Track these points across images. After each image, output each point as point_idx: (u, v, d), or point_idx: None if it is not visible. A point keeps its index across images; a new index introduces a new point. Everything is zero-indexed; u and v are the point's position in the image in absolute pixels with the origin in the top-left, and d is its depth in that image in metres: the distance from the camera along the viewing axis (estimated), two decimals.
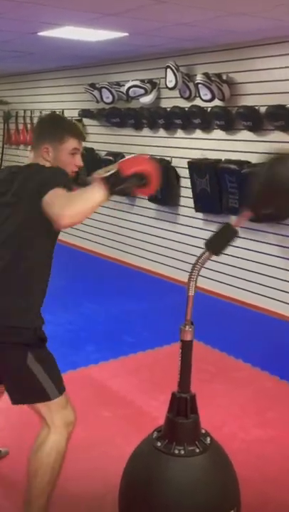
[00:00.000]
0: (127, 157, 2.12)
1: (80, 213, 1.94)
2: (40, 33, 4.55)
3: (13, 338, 2.12)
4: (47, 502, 2.22)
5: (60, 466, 2.24)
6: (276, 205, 2.10)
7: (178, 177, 5.72)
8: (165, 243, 6.07)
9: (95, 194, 1.94)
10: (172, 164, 5.71)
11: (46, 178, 2.09)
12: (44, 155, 2.26)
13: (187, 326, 2.13)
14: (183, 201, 5.75)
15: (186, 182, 5.58)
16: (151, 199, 5.91)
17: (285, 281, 4.89)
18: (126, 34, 4.55)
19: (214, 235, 2.12)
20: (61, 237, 2.90)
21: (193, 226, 5.69)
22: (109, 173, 2.01)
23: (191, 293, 2.12)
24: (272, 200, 2.05)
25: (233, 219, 5.21)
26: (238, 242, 5.17)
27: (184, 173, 5.56)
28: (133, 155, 2.24)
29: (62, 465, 2.26)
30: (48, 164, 2.24)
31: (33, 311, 2.20)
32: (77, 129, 2.35)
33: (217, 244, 2.12)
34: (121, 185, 1.99)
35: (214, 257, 5.92)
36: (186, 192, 5.65)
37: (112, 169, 2.06)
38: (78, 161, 2.29)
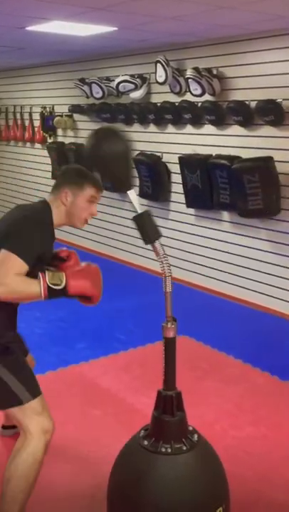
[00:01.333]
0: (78, 270, 2.24)
1: (10, 298, 2.16)
2: (29, 28, 4.50)
3: None
4: (21, 509, 2.22)
5: (36, 475, 2.24)
6: (105, 174, 2.29)
7: (169, 173, 5.69)
8: None
9: (33, 294, 2.13)
10: (163, 160, 5.68)
11: (11, 233, 2.20)
12: (62, 198, 2.37)
13: (169, 323, 2.11)
14: (174, 197, 5.72)
15: (177, 177, 5.55)
16: (142, 195, 5.88)
17: (276, 276, 4.88)
18: (115, 28, 4.51)
19: (141, 231, 2.17)
20: None
21: (184, 222, 5.67)
22: (57, 287, 2.13)
23: (169, 289, 2.11)
24: (102, 171, 2.25)
25: (224, 214, 5.21)
26: (229, 237, 5.21)
27: (175, 168, 5.53)
28: (84, 268, 2.31)
29: (39, 474, 2.26)
30: (62, 208, 2.38)
31: None
32: (98, 180, 2.43)
33: (148, 233, 2.16)
34: (61, 297, 2.17)
35: (206, 253, 5.90)
36: (177, 188, 5.62)
37: (60, 277, 2.15)
38: (94, 210, 2.43)
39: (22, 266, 2.13)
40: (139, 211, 2.17)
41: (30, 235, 2.21)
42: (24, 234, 2.20)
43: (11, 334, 2.39)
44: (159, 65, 5.17)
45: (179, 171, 5.37)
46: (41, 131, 7.51)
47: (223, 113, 4.97)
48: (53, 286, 2.12)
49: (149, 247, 6.76)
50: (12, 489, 2.21)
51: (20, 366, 2.34)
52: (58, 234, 2.45)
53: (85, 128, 6.79)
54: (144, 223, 2.15)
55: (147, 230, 2.15)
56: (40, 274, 2.15)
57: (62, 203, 2.37)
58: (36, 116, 7.61)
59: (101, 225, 6.77)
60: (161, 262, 2.11)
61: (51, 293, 2.12)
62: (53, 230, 2.40)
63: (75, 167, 2.55)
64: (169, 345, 2.11)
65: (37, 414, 2.27)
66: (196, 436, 2.12)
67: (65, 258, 2.51)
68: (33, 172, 7.89)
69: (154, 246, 2.13)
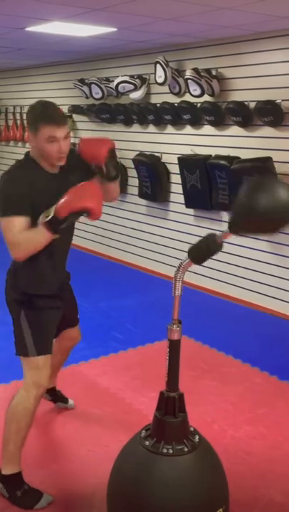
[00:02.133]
0: (67, 195, 2.25)
1: (25, 254, 2.34)
2: (28, 29, 4.51)
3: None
4: (15, 449, 2.52)
5: (27, 422, 2.51)
6: (254, 229, 2.11)
7: (168, 173, 5.70)
8: (155, 239, 6.06)
9: (39, 238, 2.28)
10: (162, 160, 5.69)
11: None
12: (30, 143, 2.44)
13: (175, 325, 2.12)
14: (173, 197, 5.74)
15: (176, 178, 5.57)
16: (142, 195, 5.89)
17: (275, 276, 4.90)
18: (114, 29, 4.52)
19: (198, 244, 2.08)
20: None
21: (183, 222, 5.68)
22: (48, 218, 2.24)
23: (178, 293, 2.10)
24: (251, 226, 2.04)
25: (223, 215, 5.22)
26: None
27: (174, 169, 5.54)
28: (74, 189, 2.29)
29: (30, 421, 2.53)
30: (35, 151, 2.42)
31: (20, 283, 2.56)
32: (50, 115, 2.34)
33: (199, 255, 2.08)
34: (62, 225, 2.26)
35: None
36: (176, 188, 5.63)
37: (50, 210, 2.25)
38: (60, 147, 2.35)
39: (20, 221, 2.29)
40: (217, 234, 2.08)
41: (8, 192, 2.34)
42: (2, 195, 2.35)
43: (41, 288, 2.54)
44: (158, 65, 5.18)
45: (179, 172, 5.38)
46: None
47: (222, 114, 4.99)
48: (47, 218, 2.24)
49: (147, 246, 6.75)
50: (6, 430, 2.54)
51: (39, 322, 2.54)
52: None
53: (85, 128, 6.80)
54: (209, 246, 2.06)
55: (205, 252, 2.07)
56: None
57: (32, 147, 2.43)
58: None
59: (100, 225, 6.78)
60: (178, 271, 2.09)
61: (51, 226, 2.24)
62: (39, 170, 2.43)
63: (32, 105, 2.46)
64: (174, 348, 2.12)
65: (35, 369, 2.52)
66: (197, 437, 2.13)
67: None
68: None
69: (188, 263, 2.08)
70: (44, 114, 2.34)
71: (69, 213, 2.22)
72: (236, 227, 2.03)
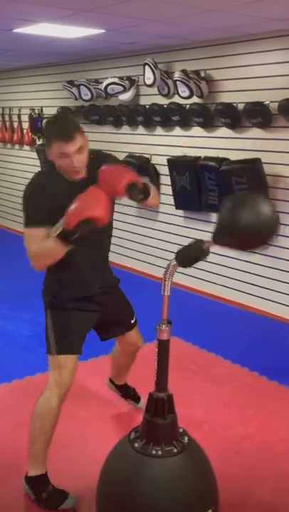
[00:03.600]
0: (72, 204, 2.17)
1: (43, 265, 2.40)
2: (16, 30, 4.50)
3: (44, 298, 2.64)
4: (40, 450, 2.53)
5: (51, 422, 2.51)
6: (237, 244, 2.18)
7: (157, 174, 5.70)
8: (145, 241, 6.06)
9: (55, 250, 2.25)
10: (152, 162, 5.70)
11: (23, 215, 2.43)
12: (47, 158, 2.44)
13: (164, 325, 2.12)
14: (163, 198, 5.73)
15: (165, 179, 5.57)
16: None
17: (265, 277, 4.91)
18: (102, 31, 4.52)
19: (186, 249, 2.11)
20: None
21: (173, 223, 5.69)
22: (58, 232, 2.20)
23: (167, 293, 2.11)
24: (233, 241, 2.10)
25: (212, 216, 5.23)
26: None
27: (164, 170, 5.55)
28: (79, 198, 2.21)
29: (55, 421, 2.52)
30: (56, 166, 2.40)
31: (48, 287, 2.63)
32: (59, 131, 2.29)
33: (186, 259, 2.11)
34: (74, 236, 2.18)
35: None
36: (165, 189, 5.64)
37: (60, 223, 2.21)
38: (72, 162, 2.31)
39: (37, 232, 2.31)
40: (205, 241, 2.13)
41: (29, 204, 2.39)
42: (24, 207, 2.41)
43: (66, 294, 2.56)
44: (147, 67, 5.19)
45: (168, 173, 5.39)
46: (30, 133, 7.50)
47: (210, 115, 5.00)
48: (56, 233, 2.21)
49: (136, 248, 6.73)
50: (31, 429, 2.54)
51: (62, 322, 2.57)
52: None
53: None
54: (196, 252, 2.11)
55: (192, 257, 2.11)
56: None
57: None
58: (25, 118, 7.59)
59: None
60: (166, 271, 2.10)
61: (62, 238, 2.19)
62: (60, 177, 2.40)
63: (46, 122, 2.48)
64: (163, 348, 2.12)
65: (57, 368, 2.54)
66: (186, 438, 2.13)
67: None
68: (22, 174, 7.85)
69: (175, 265, 2.11)
70: (54, 129, 2.32)
71: (76, 223, 2.15)
72: (219, 241, 2.08)
